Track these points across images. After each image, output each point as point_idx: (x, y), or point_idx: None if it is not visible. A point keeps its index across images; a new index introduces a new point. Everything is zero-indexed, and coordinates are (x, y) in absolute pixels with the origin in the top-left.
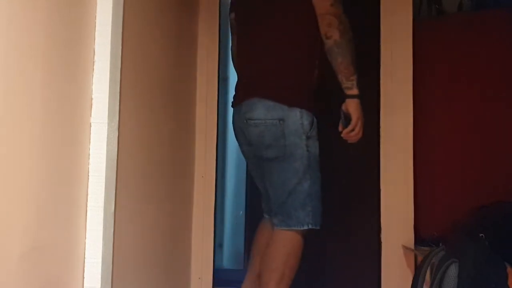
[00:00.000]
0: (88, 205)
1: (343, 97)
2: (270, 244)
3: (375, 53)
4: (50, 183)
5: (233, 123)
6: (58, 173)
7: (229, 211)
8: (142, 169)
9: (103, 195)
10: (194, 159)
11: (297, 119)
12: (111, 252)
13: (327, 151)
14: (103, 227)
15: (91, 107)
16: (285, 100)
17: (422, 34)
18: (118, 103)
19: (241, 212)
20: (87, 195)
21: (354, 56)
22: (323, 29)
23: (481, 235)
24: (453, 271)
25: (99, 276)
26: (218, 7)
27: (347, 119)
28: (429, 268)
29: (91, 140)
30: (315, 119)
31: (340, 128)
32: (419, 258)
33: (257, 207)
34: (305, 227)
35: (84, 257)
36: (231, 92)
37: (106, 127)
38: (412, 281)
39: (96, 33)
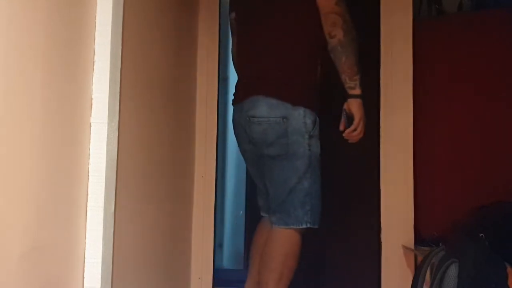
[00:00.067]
0: (88, 205)
1: (345, 96)
2: (268, 243)
3: (375, 53)
4: (50, 183)
5: (233, 121)
6: (58, 173)
7: (229, 211)
8: (142, 169)
9: (103, 195)
10: (194, 159)
11: (301, 118)
12: (111, 252)
13: (327, 151)
14: (103, 227)
15: (91, 107)
16: (289, 99)
17: (422, 34)
18: (118, 103)
19: (241, 212)
20: (87, 195)
21: (358, 55)
22: (327, 28)
23: (481, 235)
24: (453, 271)
25: (99, 276)
26: (218, 7)
27: (350, 119)
28: (429, 268)
29: (91, 140)
30: (317, 119)
31: (341, 127)
32: (419, 258)
33: (257, 207)
34: (304, 226)
35: (84, 257)
36: (231, 92)
37: (106, 127)
38: (412, 281)
39: (96, 33)
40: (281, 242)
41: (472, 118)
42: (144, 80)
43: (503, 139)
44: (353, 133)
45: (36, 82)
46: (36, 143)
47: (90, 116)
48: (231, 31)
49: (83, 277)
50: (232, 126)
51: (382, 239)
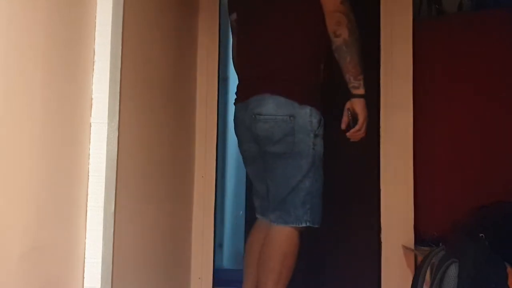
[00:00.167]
0: (88, 205)
1: (348, 96)
2: (266, 242)
3: (375, 53)
4: (50, 183)
5: (235, 119)
6: (58, 173)
7: (229, 211)
8: (142, 169)
9: (103, 195)
10: (194, 159)
11: (307, 117)
12: (111, 252)
13: (327, 150)
14: (103, 227)
15: (91, 107)
16: (296, 98)
17: (422, 34)
18: (118, 103)
19: (241, 212)
20: (87, 195)
21: (361, 55)
22: (331, 27)
23: (481, 235)
24: (453, 271)
25: (99, 276)
26: (218, 7)
27: (354, 119)
28: (429, 268)
29: (91, 140)
30: (322, 118)
31: (343, 126)
32: (419, 258)
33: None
34: (303, 225)
35: (84, 257)
36: (231, 92)
37: (106, 127)
38: (412, 281)
39: (96, 33)
40: (280, 241)
41: (472, 118)
42: (144, 80)
43: (503, 139)
44: (357, 132)
45: (36, 82)
46: (36, 143)
47: (90, 116)
48: (232, 33)
49: (83, 277)
50: (232, 126)
51: (382, 239)
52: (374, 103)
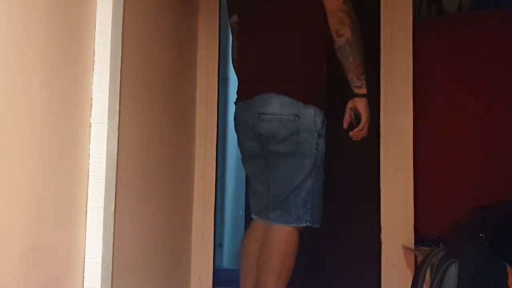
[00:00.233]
0: (88, 205)
1: (350, 95)
2: (266, 242)
3: (375, 53)
4: (50, 183)
5: (236, 118)
6: (58, 173)
7: (229, 211)
8: (142, 169)
9: (103, 195)
10: (194, 159)
11: (311, 117)
12: (111, 252)
13: (327, 150)
14: (103, 227)
15: (91, 107)
16: (301, 97)
17: (422, 34)
18: (118, 103)
19: (241, 212)
20: (87, 195)
21: (363, 55)
22: (334, 27)
23: (481, 235)
24: (453, 271)
25: (99, 276)
26: (218, 7)
27: (357, 118)
28: (429, 268)
29: (91, 140)
30: (325, 118)
31: (345, 125)
32: (419, 258)
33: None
34: (303, 224)
35: (84, 257)
36: (231, 92)
37: (106, 127)
38: (412, 281)
39: (96, 33)
40: (280, 240)
41: (472, 118)
42: (144, 80)
43: (503, 139)
44: (360, 132)
45: (36, 82)
46: (36, 143)
47: (90, 116)
48: (232, 35)
49: (83, 277)
50: (232, 125)
51: (382, 239)
52: (374, 103)
